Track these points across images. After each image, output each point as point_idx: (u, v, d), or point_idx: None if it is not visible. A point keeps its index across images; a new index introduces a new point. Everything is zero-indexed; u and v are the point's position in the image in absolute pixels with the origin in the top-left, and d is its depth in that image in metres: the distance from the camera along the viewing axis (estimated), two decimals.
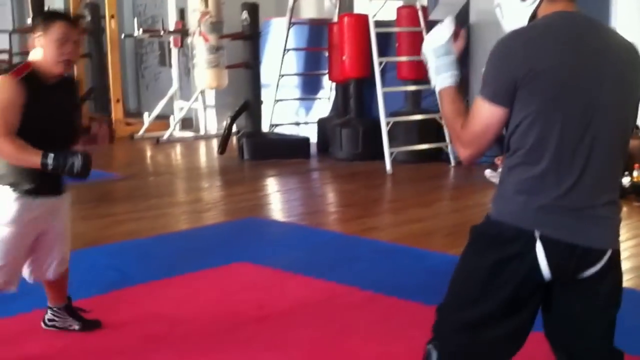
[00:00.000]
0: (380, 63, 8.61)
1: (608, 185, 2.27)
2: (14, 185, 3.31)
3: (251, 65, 9.40)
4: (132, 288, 4.51)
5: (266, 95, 9.89)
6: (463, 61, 9.59)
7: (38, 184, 3.31)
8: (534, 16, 2.28)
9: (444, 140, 8.70)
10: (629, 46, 2.30)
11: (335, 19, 9.97)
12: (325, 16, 10.93)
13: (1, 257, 3.34)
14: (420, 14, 8.84)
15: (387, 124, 8.50)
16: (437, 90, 2.40)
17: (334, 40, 9.54)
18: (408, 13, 9.02)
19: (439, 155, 8.86)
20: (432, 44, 2.42)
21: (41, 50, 3.28)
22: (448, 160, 8.67)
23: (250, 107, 9.43)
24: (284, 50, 9.93)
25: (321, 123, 9.86)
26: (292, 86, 10.63)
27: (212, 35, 9.90)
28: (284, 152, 9.29)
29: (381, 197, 7.56)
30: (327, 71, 10.00)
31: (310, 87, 10.71)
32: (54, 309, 3.79)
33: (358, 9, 10.69)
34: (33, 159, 3.18)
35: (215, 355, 3.61)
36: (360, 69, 9.17)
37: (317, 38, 10.56)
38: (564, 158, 2.19)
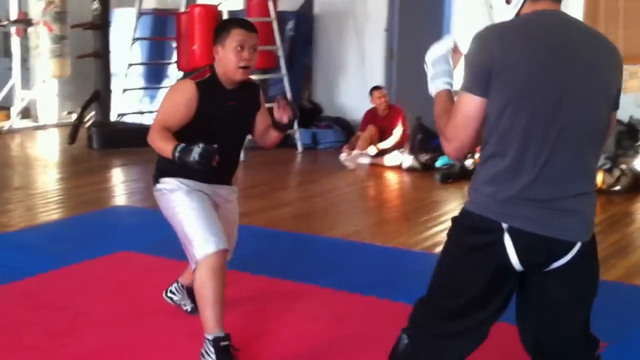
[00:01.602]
0: None
1: (578, 178, 2.30)
2: (172, 175, 3.44)
3: (102, 55, 9.34)
4: (22, 281, 4.49)
5: (113, 85, 9.86)
6: (306, 49, 10.10)
7: (193, 174, 3.39)
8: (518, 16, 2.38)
9: (291, 126, 9.06)
10: (609, 47, 2.37)
11: (183, 9, 10.11)
12: (171, 6, 11.00)
13: (198, 225, 3.35)
14: (270, 4, 9.14)
15: None
16: (433, 94, 2.48)
17: (183, 30, 9.66)
18: (258, 3, 9.29)
19: (286, 142, 9.23)
20: (434, 54, 2.51)
21: (220, 58, 3.39)
22: (295, 146, 9.06)
23: (100, 96, 9.39)
24: (133, 39, 9.92)
25: None
26: (137, 75, 10.63)
27: (56, 24, 9.78)
28: (133, 141, 9.29)
29: (243, 182, 7.81)
30: (175, 60, 10.11)
31: (154, 76, 10.76)
32: (180, 285, 3.94)
33: None
34: (168, 147, 3.23)
35: (131, 345, 3.68)
36: (211, 58, 9.29)
37: (162, 28, 10.63)
38: (530, 150, 2.23)
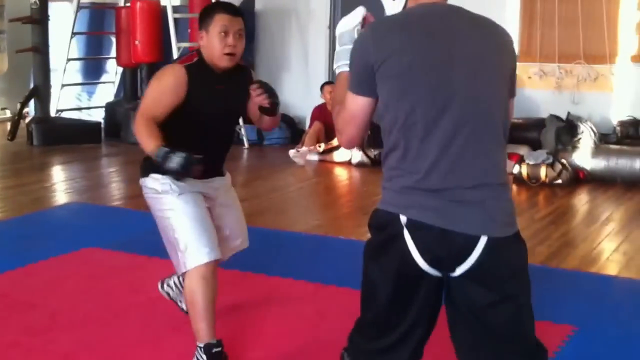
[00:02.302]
0: (179, 48, 8.80)
1: (477, 168, 2.18)
2: (158, 171, 3.25)
3: (41, 50, 9.16)
4: None
5: (53, 81, 9.68)
6: (248, 46, 10.09)
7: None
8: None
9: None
10: (498, 31, 2.31)
11: (122, 3, 10.00)
12: (108, 0, 10.85)
13: (191, 233, 3.24)
14: (214, 0, 9.12)
15: None
16: (336, 71, 2.42)
17: (123, 24, 9.56)
18: None
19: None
20: (339, 29, 2.45)
21: (205, 44, 3.28)
22: (241, 142, 9.08)
23: (39, 92, 9.21)
24: (72, 34, 9.77)
25: (109, 107, 9.84)
26: (74, 71, 10.47)
27: None
28: (74, 137, 9.19)
29: None
30: (114, 56, 9.99)
31: (92, 71, 10.61)
32: (180, 280, 3.77)
33: None
34: (150, 144, 3.09)
35: (116, 340, 3.67)
36: (153, 53, 9.29)
37: (100, 22, 10.49)
38: (418, 141, 2.16)
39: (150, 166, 3.29)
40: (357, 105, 2.26)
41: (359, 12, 2.46)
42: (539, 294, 4.28)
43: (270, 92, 3.38)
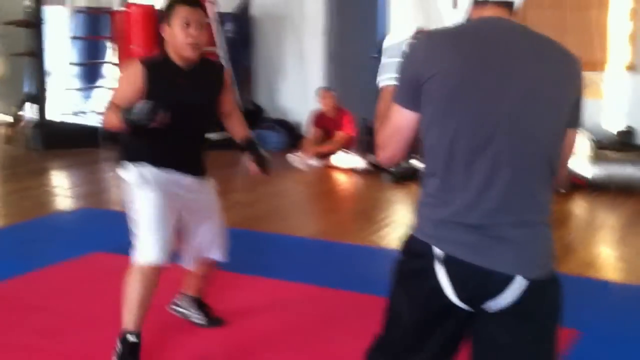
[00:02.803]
0: None
1: (518, 206, 2.08)
2: (135, 159, 3.37)
3: (36, 54, 9.17)
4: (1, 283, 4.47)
5: (48, 85, 9.69)
6: (245, 51, 10.14)
7: (157, 159, 3.37)
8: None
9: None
10: (564, 57, 2.14)
11: (116, 8, 10.02)
12: (103, 5, 10.86)
13: (150, 231, 3.35)
14: (209, 5, 9.14)
15: None
16: (379, 85, 2.33)
17: (119, 29, 9.58)
18: None
19: (230, 143, 9.24)
20: (387, 42, 2.36)
21: (168, 38, 3.33)
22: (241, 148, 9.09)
23: (35, 96, 9.21)
24: (70, 38, 9.77)
25: None
26: (70, 75, 10.47)
27: None
28: (72, 141, 9.21)
29: None
30: (111, 60, 10.00)
31: (89, 75, 10.61)
32: (187, 296, 3.92)
33: None
34: (115, 115, 3.15)
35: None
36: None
37: (94, 26, 10.50)
38: (458, 170, 2.06)
39: (123, 154, 3.44)
40: (402, 118, 2.13)
41: (411, 28, 2.38)
42: None
43: (262, 161, 3.66)
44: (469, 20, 2.16)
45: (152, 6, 9.46)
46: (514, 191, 2.07)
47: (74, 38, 9.97)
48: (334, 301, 4.30)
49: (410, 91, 2.09)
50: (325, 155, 8.40)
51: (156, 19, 9.20)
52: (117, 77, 3.52)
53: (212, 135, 8.75)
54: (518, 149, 2.05)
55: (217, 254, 3.71)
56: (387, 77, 2.28)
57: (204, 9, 3.43)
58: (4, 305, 4.13)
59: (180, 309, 3.95)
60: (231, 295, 4.37)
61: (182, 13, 3.30)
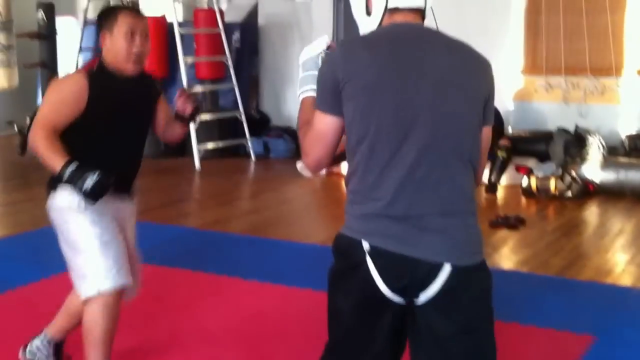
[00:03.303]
0: (186, 63, 8.85)
1: (442, 194, 2.14)
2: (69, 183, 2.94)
3: (48, 65, 9.22)
4: (17, 290, 4.48)
5: None
6: (252, 60, 10.16)
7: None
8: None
9: (243, 136, 9.15)
10: (474, 55, 2.26)
11: None
12: None
13: (97, 257, 2.99)
14: (217, 15, 9.21)
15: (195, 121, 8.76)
16: (299, 99, 2.41)
17: None
18: (206, 15, 9.34)
19: (238, 151, 9.30)
20: (304, 57, 2.45)
21: (110, 47, 3.06)
22: (248, 155, 9.13)
23: None
24: (80, 49, 9.82)
25: None
26: None
27: (2, 34, 9.57)
28: None
29: (201, 191, 7.85)
30: None
31: None
32: (48, 340, 3.45)
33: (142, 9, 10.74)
34: (56, 161, 2.88)
35: (144, 349, 3.74)
36: (160, 68, 9.35)
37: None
38: (380, 164, 2.12)
39: (55, 179, 3.04)
40: (324, 123, 2.20)
41: (323, 40, 2.46)
42: (557, 304, 4.40)
43: (195, 101, 3.32)
44: (381, 27, 2.25)
45: (164, 17, 9.50)
46: (438, 181, 2.14)
47: (85, 49, 9.99)
48: None
49: (330, 96, 2.16)
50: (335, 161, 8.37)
51: (166, 30, 9.27)
52: (52, 88, 3.13)
53: (213, 144, 8.85)
54: (435, 138, 2.13)
55: (132, 291, 3.29)
56: (305, 89, 2.38)
57: (147, 20, 3.18)
58: (21, 312, 4.15)
59: (38, 356, 3.42)
60: (239, 301, 4.38)
61: (126, 20, 3.06)
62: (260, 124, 9.66)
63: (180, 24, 9.21)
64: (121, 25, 3.05)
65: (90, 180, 2.84)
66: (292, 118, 9.66)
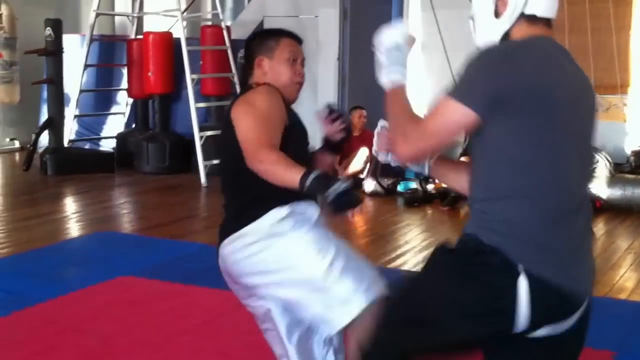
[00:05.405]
0: (192, 80, 8.89)
1: (584, 224, 2.12)
2: (277, 200, 2.72)
3: (55, 81, 9.25)
4: (35, 307, 4.47)
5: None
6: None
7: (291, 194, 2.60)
8: (507, 34, 2.15)
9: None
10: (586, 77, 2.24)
11: (132, 36, 10.13)
12: (118, 33, 10.96)
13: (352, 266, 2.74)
14: (224, 33, 9.27)
15: (201, 138, 8.79)
16: (385, 84, 2.23)
17: (135, 56, 9.67)
18: (212, 32, 9.40)
19: None
20: (388, 39, 2.26)
21: (268, 72, 2.85)
22: None
23: (53, 122, 9.27)
24: (85, 65, 9.85)
25: (121, 138, 9.93)
26: (85, 102, 10.53)
27: (5, 50, 9.66)
28: (88, 167, 9.25)
29: (213, 208, 7.83)
30: (125, 87, 10.08)
31: (103, 103, 10.68)
32: None
33: (147, 26, 10.78)
34: (293, 175, 2.48)
35: None
36: (166, 85, 9.41)
37: (110, 54, 10.59)
38: (566, 191, 2.04)
39: (248, 211, 2.81)
40: (463, 116, 2.00)
41: (403, 26, 2.29)
42: None
43: (346, 122, 3.02)
44: (529, 37, 2.10)
45: (170, 33, 9.56)
46: (586, 208, 2.12)
47: (90, 66, 10.03)
48: None
49: (486, 96, 1.98)
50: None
51: (172, 46, 9.32)
52: (253, 106, 2.73)
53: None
54: (587, 161, 2.20)
55: None
56: (396, 71, 2.21)
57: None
58: (42, 329, 4.15)
59: None
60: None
61: (289, 47, 2.87)
62: None
63: (186, 41, 9.26)
64: (284, 51, 2.86)
65: (342, 184, 2.41)
66: None
